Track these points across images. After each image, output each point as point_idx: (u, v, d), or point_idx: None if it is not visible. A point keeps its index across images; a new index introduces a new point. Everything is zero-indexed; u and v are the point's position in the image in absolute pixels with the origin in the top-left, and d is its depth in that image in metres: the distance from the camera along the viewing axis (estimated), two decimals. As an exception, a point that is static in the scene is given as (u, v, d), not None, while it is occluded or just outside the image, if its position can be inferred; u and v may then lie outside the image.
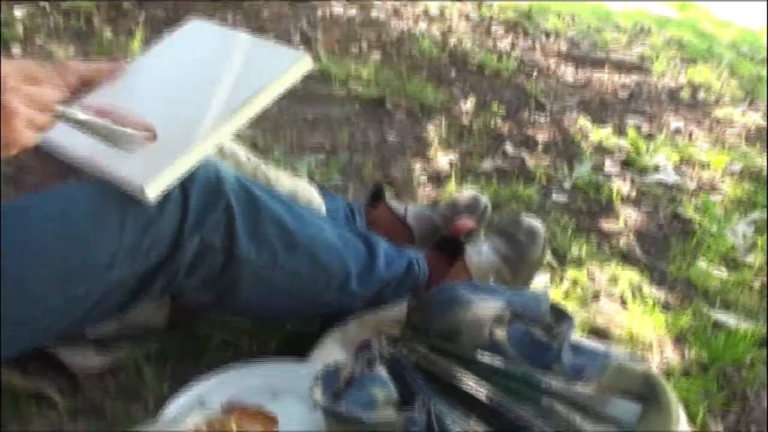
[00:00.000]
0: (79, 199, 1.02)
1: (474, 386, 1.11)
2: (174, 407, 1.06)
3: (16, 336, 1.02)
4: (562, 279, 1.63)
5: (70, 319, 1.05)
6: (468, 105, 2.55)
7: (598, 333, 1.49)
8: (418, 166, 2.09)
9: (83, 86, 1.16)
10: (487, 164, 2.16)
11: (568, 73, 3.04)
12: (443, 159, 2.16)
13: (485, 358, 1.14)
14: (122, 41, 2.58)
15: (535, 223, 1.44)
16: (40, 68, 0.93)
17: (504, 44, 3.26)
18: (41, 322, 1.02)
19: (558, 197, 2.03)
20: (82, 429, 1.09)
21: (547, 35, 3.49)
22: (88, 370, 1.19)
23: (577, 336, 1.25)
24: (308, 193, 1.34)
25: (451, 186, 1.97)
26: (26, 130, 0.89)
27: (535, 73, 2.98)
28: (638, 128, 2.54)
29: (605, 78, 3.01)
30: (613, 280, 1.68)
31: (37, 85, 0.91)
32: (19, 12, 2.74)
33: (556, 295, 1.56)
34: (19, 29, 2.60)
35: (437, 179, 2.05)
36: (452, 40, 3.17)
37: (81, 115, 0.98)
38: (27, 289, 0.98)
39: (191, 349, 1.26)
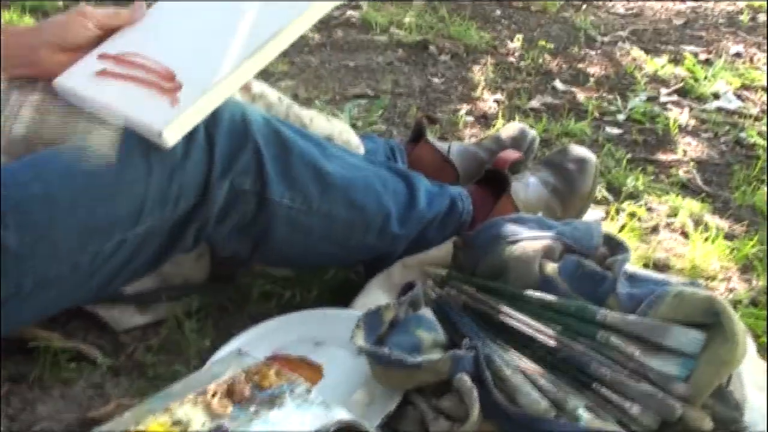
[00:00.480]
0: (102, 149, 0.99)
1: (525, 324, 1.05)
2: (215, 360, 1.03)
3: (49, 296, 1.00)
4: (617, 213, 1.54)
5: (101, 276, 1.02)
6: (515, 43, 2.45)
7: (659, 266, 1.41)
8: (464, 108, 2.01)
9: (104, 33, 1.13)
10: (536, 102, 2.07)
11: (619, 3, 2.90)
12: (490, 99, 2.08)
13: (536, 294, 1.08)
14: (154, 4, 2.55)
15: (584, 151, 1.36)
16: None
17: (550, -21, 3.13)
18: (71, 279, 0.99)
19: (612, 130, 1.93)
20: (124, 387, 1.08)
21: (596, -34, 3.33)
22: (129, 328, 1.17)
23: (633, 267, 1.17)
24: (345, 133, 1.28)
25: (499, 125, 1.90)
26: None
27: (584, 6, 2.85)
28: (695, 55, 2.41)
29: (659, 6, 2.86)
30: (673, 211, 1.59)
31: None
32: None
33: (611, 229, 1.48)
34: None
35: (484, 119, 1.97)
36: (496, -22, 3.05)
37: None
38: (55, 244, 0.96)
39: (232, 301, 1.22)
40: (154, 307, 1.19)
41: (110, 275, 1.03)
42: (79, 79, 1.08)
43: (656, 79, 2.23)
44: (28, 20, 2.40)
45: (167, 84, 1.02)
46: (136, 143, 1.00)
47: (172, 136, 0.98)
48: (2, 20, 2.33)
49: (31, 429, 1.00)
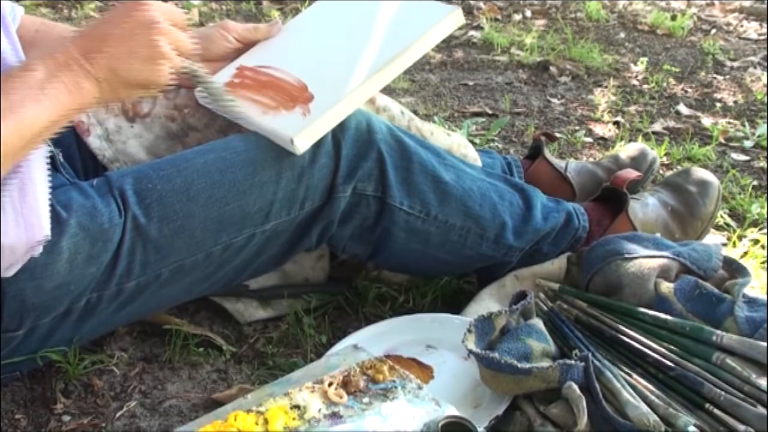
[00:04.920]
0: (238, 150, 1.06)
1: (637, 341, 1.05)
2: (332, 353, 1.08)
3: (183, 284, 1.07)
4: (740, 239, 1.51)
5: (231, 268, 1.09)
6: (638, 66, 2.43)
7: (782, 295, 1.37)
8: (582, 129, 2.01)
9: (243, 46, 1.21)
10: (658, 125, 2.04)
11: (751, 29, 2.82)
12: (610, 121, 2.06)
13: (650, 312, 1.08)
14: (289, 21, 2.66)
15: (707, 174, 1.34)
16: (181, 13, 0.95)
17: (678, 3, 3.08)
18: (204, 269, 1.06)
19: (738, 156, 1.88)
20: (245, 374, 1.14)
21: (728, -9, 3.25)
22: (252, 321, 1.24)
23: (754, 292, 1.15)
24: (463, 147, 1.31)
25: (619, 147, 1.88)
26: (168, 73, 0.92)
27: (713, 31, 2.79)
28: (832, 83, 2.31)
29: (794, 32, 2.77)
30: (801, 241, 1.53)
31: (180, 30, 0.94)
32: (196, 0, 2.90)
33: (732, 255, 1.44)
34: (196, 15, 2.75)
35: (603, 141, 1.96)
36: (622, 2, 3.03)
37: (188, 63, 0.98)
38: (192, 235, 1.03)
39: (349, 302, 1.27)
40: (276, 303, 1.25)
41: (239, 267, 1.10)
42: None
43: (788, 106, 2.16)
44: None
45: (300, 95, 1.08)
46: (269, 148, 1.06)
47: (302, 143, 1.04)
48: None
49: (161, 404, 1.07)
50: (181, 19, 0.94)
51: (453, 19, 1.13)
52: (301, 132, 1.04)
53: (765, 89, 2.28)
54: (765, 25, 2.85)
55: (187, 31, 0.96)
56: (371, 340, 1.12)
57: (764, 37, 2.74)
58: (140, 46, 0.88)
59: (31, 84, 0.84)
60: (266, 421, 0.86)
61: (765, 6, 2.99)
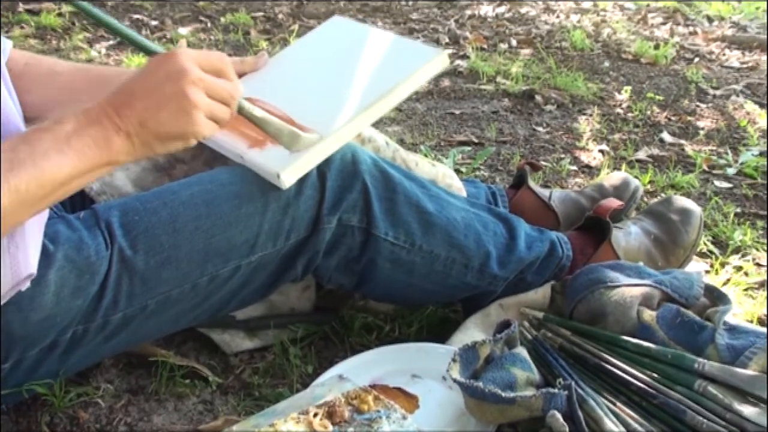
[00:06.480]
0: (224, 183, 1.07)
1: (620, 369, 1.06)
2: (317, 383, 1.08)
3: (170, 315, 1.08)
4: (722, 266, 1.52)
5: (217, 299, 1.10)
6: (622, 95, 2.46)
7: (764, 323, 1.38)
8: (568, 157, 2.03)
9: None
10: (642, 153, 2.07)
11: (733, 57, 2.87)
12: (595, 149, 2.09)
13: (632, 340, 1.09)
14: (277, 51, 2.69)
15: (689, 202, 1.35)
16: (225, 59, 0.94)
17: (662, 32, 3.13)
18: (190, 300, 1.07)
19: (721, 184, 1.91)
20: (232, 405, 1.14)
21: (710, 20, 3.30)
22: (239, 351, 1.24)
23: (735, 319, 1.16)
24: (448, 177, 1.33)
25: (603, 175, 1.90)
26: (206, 122, 0.91)
27: (696, 60, 2.83)
28: (814, 110, 2.34)
29: (776, 60, 2.81)
30: (784, 268, 1.55)
31: (221, 77, 0.92)
32: (184, 30, 2.93)
33: (714, 282, 1.45)
34: (184, 45, 2.77)
35: (588, 169, 1.98)
36: (605, 31, 3.07)
37: (257, 112, 1.00)
38: (178, 267, 1.04)
39: (335, 332, 1.28)
40: (262, 334, 1.25)
41: (225, 299, 1.11)
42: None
43: (770, 134, 2.19)
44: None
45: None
46: (255, 180, 1.07)
47: (289, 178, 1.05)
48: (131, 65, 2.52)
49: (146, 437, 1.08)
50: (217, 64, 0.92)
51: (438, 61, 1.16)
52: (288, 167, 1.05)
53: (747, 117, 2.31)
54: (747, 53, 2.89)
55: (228, 75, 0.94)
56: (357, 370, 1.13)
57: (747, 65, 2.78)
58: (168, 98, 0.88)
59: (58, 136, 0.86)
60: (251, 453, 0.86)
61: (746, 35, 3.04)
